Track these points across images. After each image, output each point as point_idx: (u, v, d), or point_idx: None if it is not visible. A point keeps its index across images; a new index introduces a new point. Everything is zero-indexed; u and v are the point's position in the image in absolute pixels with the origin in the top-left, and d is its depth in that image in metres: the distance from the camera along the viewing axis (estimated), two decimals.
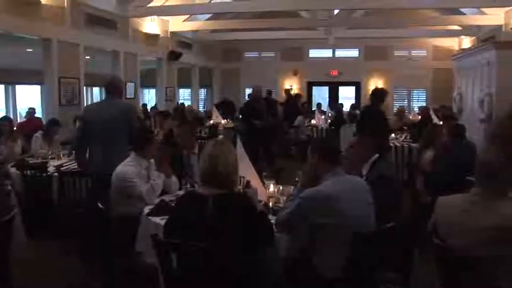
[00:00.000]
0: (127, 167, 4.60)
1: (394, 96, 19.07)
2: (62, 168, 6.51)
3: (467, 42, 17.18)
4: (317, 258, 3.47)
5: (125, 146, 5.16)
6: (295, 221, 3.47)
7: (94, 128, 5.31)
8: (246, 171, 4.23)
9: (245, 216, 3.05)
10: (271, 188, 4.24)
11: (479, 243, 3.01)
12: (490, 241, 2.97)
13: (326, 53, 19.39)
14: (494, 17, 13.46)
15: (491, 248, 2.95)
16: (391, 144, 9.20)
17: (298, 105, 14.99)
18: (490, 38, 13.69)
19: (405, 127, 11.09)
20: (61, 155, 7.34)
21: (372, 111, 8.01)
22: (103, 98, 5.98)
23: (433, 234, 3.31)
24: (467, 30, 16.39)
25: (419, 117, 11.94)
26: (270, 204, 3.97)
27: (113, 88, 5.53)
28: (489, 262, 2.93)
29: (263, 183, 4.43)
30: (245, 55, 20.10)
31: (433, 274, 3.35)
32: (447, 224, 3.22)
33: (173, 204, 3.87)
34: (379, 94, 8.15)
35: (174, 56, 15.00)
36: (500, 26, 13.31)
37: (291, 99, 15.27)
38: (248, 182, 3.90)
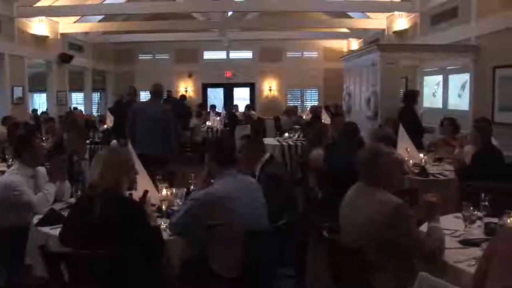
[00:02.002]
0: (13, 175, 4.40)
1: (288, 96, 19.65)
2: None
3: (355, 44, 18.04)
4: (213, 258, 3.52)
5: (163, 134, 6.98)
6: (189, 223, 3.50)
7: (142, 120, 7.09)
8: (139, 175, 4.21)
9: (133, 221, 3.05)
10: (164, 191, 4.24)
11: (355, 235, 3.19)
12: (362, 234, 3.14)
13: (221, 55, 19.51)
14: (378, 21, 14.32)
15: (364, 241, 3.12)
16: (284, 143, 9.49)
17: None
18: (375, 41, 14.48)
19: (298, 126, 11.42)
20: None
21: (406, 110, 8.55)
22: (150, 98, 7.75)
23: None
24: (354, 33, 17.26)
25: (310, 115, 12.35)
26: (164, 207, 3.97)
27: (156, 92, 7.49)
28: (364, 254, 3.10)
29: (156, 187, 4.43)
30: (139, 57, 19.76)
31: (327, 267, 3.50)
32: (340, 215, 3.40)
33: (64, 213, 3.80)
34: (411, 95, 8.84)
35: (64, 58, 14.47)
36: (383, 30, 14.15)
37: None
38: (145, 192, 3.85)
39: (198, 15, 15.86)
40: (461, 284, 2.75)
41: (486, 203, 3.94)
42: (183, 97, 16.23)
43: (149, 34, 17.14)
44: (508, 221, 3.40)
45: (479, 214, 3.86)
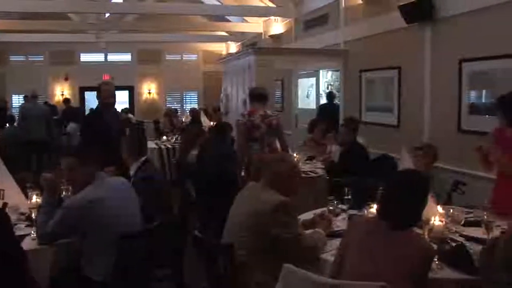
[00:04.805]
0: None
1: (168, 98, 19.54)
2: None
3: (234, 47, 18.32)
4: (84, 262, 3.49)
5: (46, 125, 10.66)
6: (61, 231, 3.44)
7: (32, 117, 10.55)
8: (5, 183, 4.07)
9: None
10: (34, 198, 4.10)
11: (238, 233, 3.28)
12: (246, 230, 3.24)
13: (98, 57, 18.97)
14: (255, 25, 14.68)
15: (247, 237, 3.22)
16: (163, 146, 9.48)
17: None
18: (253, 44, 14.83)
19: (177, 129, 11.46)
20: None
21: (329, 107, 10.83)
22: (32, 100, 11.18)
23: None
24: (233, 36, 17.55)
25: (190, 118, 12.43)
26: (33, 215, 3.84)
27: (35, 95, 11.05)
28: (244, 250, 3.22)
29: (26, 195, 4.28)
30: (11, 58, 18.65)
31: (204, 267, 3.56)
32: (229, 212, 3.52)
33: None
34: (332, 95, 11.22)
35: None
36: (260, 34, 14.54)
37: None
38: (4, 204, 3.71)
39: (74, 16, 15.33)
40: (325, 273, 2.93)
41: (350, 196, 4.24)
42: (67, 100, 15.85)
43: (21, 34, 16.25)
44: (366, 212, 3.68)
45: (343, 207, 4.16)
